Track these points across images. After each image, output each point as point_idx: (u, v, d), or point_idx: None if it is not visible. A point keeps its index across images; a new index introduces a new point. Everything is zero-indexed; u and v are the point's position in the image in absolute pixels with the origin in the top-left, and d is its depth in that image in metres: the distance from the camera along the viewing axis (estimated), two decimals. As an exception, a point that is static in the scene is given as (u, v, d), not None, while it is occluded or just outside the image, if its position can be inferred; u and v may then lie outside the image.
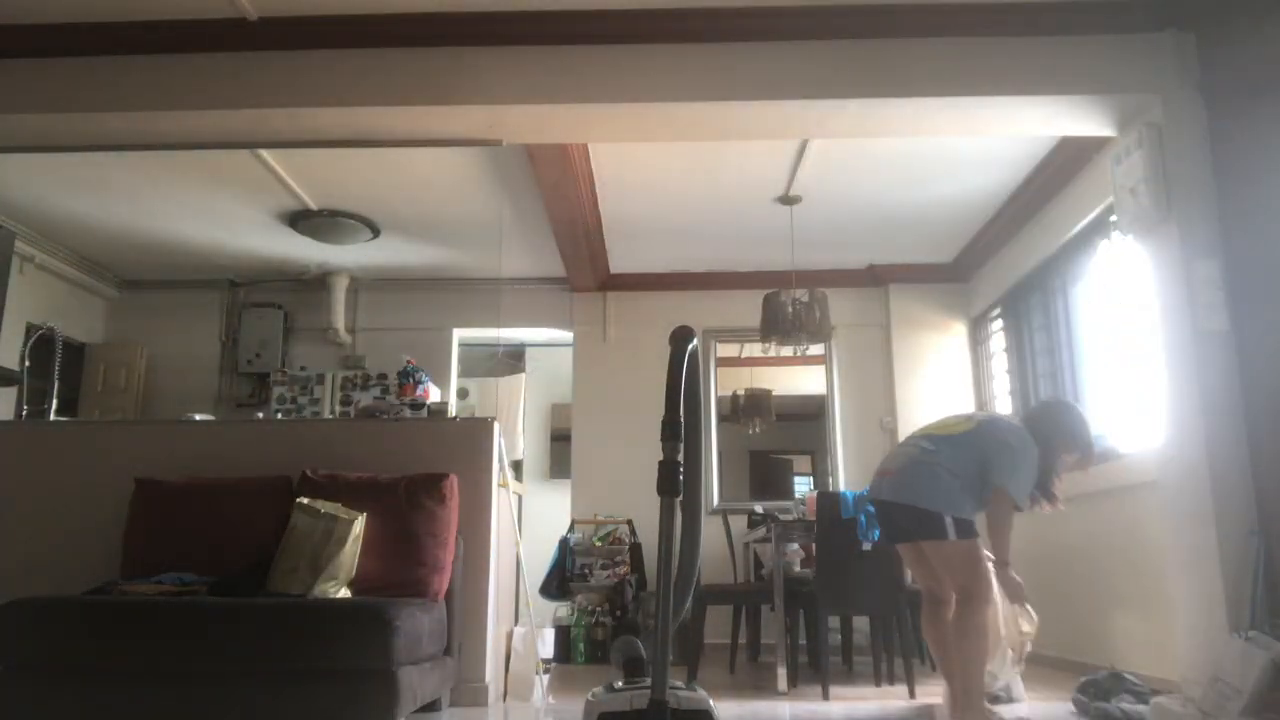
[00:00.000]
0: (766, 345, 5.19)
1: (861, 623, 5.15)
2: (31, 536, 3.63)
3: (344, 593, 3.12)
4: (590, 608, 5.60)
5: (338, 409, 6.13)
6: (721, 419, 6.53)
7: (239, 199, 5.33)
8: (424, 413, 4.44)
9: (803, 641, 4.71)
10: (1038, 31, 3.62)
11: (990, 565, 3.19)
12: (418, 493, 3.35)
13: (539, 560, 5.74)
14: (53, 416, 4.57)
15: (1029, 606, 3.51)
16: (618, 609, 5.52)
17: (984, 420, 3.30)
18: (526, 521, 6.16)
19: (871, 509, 4.03)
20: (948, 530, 3.06)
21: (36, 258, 5.81)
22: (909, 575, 4.61)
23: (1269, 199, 3.28)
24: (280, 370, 6.35)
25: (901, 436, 6.03)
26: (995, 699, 3.52)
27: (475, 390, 7.89)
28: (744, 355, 6.72)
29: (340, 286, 6.56)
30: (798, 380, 6.75)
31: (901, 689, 3.97)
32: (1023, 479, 3.11)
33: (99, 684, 2.66)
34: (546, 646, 5.02)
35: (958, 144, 4.61)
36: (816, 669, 4.31)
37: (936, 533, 3.09)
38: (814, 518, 4.19)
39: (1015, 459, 3.10)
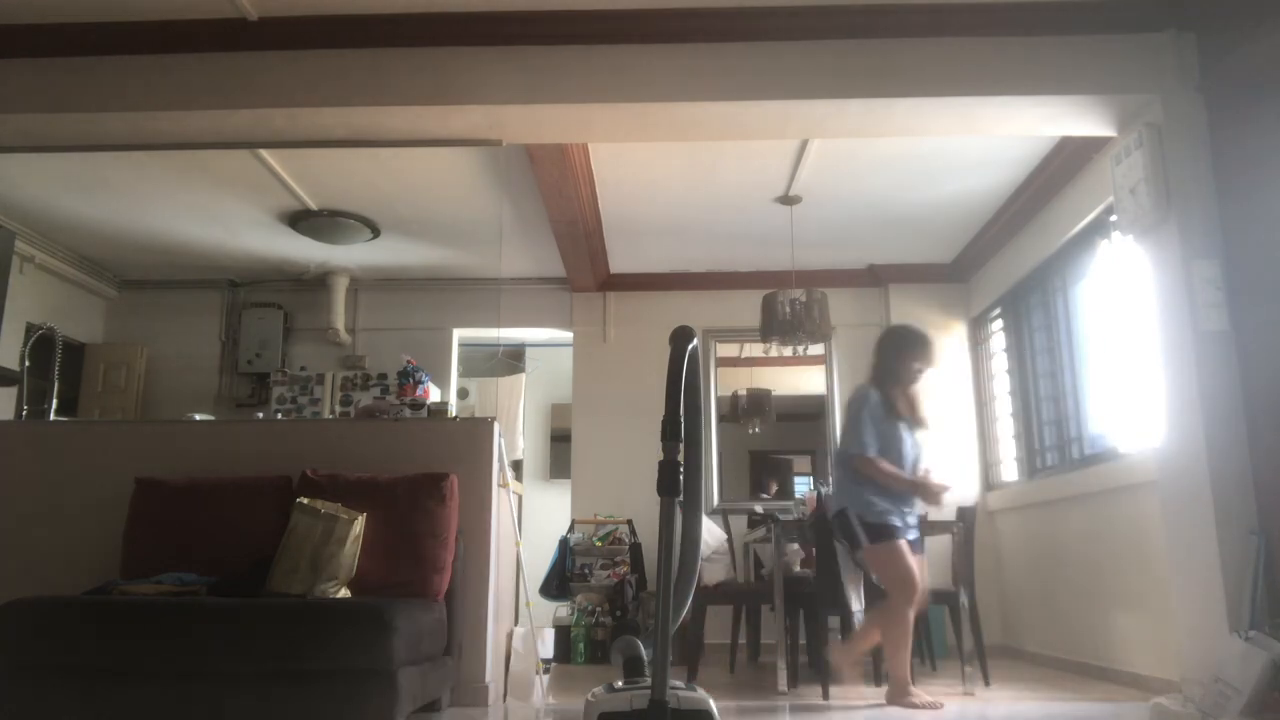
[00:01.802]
0: (767, 345, 5.19)
1: (861, 623, 5.15)
2: (31, 536, 3.63)
3: (344, 593, 3.12)
4: (590, 608, 5.60)
5: (338, 409, 6.12)
6: (721, 419, 6.53)
7: (239, 199, 5.33)
8: (424, 413, 4.44)
9: (803, 641, 4.70)
10: (1038, 31, 3.62)
11: None
12: (418, 493, 3.35)
13: (539, 560, 5.74)
14: (53, 416, 4.57)
15: None
16: (618, 609, 5.52)
17: None
18: (526, 521, 6.16)
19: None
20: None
21: (36, 258, 5.81)
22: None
23: (1269, 199, 3.28)
24: (280, 370, 6.35)
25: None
26: None
27: (475, 390, 7.89)
28: (744, 355, 6.71)
29: (340, 286, 6.55)
30: (798, 380, 6.74)
31: (901, 689, 3.96)
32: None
33: (99, 684, 2.66)
34: (546, 646, 5.00)
35: (958, 144, 4.61)
36: (816, 669, 4.31)
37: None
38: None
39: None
